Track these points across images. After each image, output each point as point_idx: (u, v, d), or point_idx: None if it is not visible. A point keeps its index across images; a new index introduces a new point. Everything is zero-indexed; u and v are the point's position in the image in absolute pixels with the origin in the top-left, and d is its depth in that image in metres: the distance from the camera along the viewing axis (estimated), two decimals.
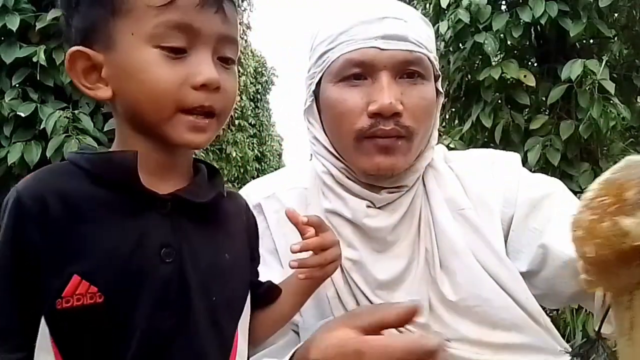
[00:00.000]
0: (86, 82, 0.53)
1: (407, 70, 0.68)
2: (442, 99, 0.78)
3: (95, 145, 2.12)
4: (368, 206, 0.71)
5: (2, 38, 2.17)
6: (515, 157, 0.81)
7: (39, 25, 2.15)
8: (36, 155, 2.11)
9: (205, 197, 0.57)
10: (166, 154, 0.56)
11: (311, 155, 0.79)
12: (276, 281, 0.67)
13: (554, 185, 0.75)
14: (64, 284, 0.48)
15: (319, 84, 0.73)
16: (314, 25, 0.77)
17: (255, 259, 0.66)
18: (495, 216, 0.72)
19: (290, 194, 0.76)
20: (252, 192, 0.78)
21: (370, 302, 0.70)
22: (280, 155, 15.33)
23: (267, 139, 11.99)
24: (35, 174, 0.52)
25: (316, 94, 0.75)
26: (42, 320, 0.49)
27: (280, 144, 15.36)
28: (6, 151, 2.10)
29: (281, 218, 0.71)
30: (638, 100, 2.61)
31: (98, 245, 0.50)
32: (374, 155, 0.68)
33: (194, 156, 0.61)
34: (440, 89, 0.76)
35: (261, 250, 0.69)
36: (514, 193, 0.73)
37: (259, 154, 10.66)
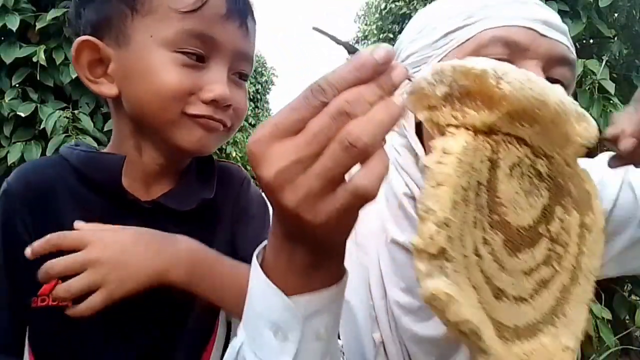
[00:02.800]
0: (90, 75, 0.51)
1: (557, 69, 0.54)
2: None
3: (95, 145, 2.11)
4: None
5: (2, 38, 2.16)
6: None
7: (39, 25, 2.14)
8: (36, 155, 2.10)
9: (188, 204, 0.54)
10: (163, 158, 0.54)
11: None
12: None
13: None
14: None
15: None
16: (421, 12, 0.63)
17: (238, 250, 0.59)
18: None
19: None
20: None
21: (410, 352, 0.57)
22: None
23: None
24: (26, 163, 0.53)
25: None
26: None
27: None
28: (6, 151, 2.10)
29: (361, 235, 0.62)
30: None
31: None
32: None
33: None
34: None
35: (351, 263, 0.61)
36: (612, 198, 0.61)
37: None
